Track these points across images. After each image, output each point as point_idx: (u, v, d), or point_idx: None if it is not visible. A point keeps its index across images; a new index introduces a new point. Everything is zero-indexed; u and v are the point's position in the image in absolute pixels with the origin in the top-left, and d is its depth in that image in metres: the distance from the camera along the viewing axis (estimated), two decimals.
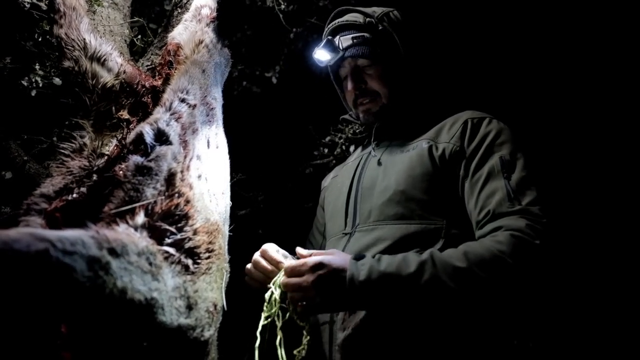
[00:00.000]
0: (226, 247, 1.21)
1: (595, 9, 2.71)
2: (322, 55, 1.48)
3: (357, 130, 2.74)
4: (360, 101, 1.47)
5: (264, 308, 1.05)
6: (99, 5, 1.80)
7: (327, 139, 2.92)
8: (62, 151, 1.23)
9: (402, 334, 1.12)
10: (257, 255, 1.20)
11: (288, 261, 1.13)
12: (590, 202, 2.81)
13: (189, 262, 0.97)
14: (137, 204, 0.94)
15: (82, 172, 1.15)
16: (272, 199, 2.90)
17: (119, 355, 0.79)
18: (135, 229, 0.91)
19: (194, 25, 1.56)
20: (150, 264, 0.84)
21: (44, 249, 0.67)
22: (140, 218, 0.93)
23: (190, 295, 0.93)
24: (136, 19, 2.05)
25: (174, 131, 1.11)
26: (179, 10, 1.75)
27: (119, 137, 1.27)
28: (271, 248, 1.19)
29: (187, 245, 0.98)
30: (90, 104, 1.33)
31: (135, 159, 1.01)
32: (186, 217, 1.01)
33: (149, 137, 1.06)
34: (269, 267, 1.15)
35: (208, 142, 1.25)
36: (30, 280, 0.65)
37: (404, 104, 1.44)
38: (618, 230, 2.74)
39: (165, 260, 0.90)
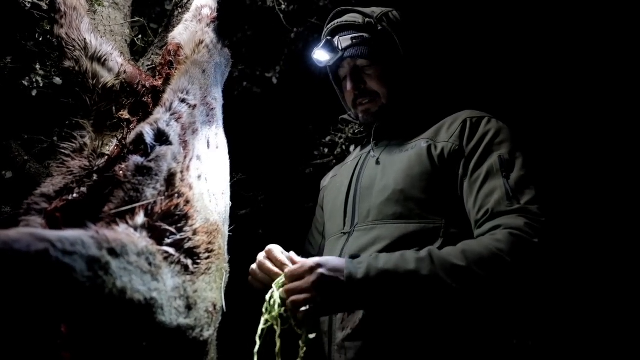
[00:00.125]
0: (226, 247, 1.21)
1: (594, 9, 2.71)
2: (321, 55, 1.48)
3: (357, 130, 2.75)
4: (359, 101, 1.47)
5: (264, 311, 1.04)
6: (99, 5, 1.81)
7: (327, 139, 2.92)
8: (63, 151, 1.23)
9: (401, 333, 1.12)
10: (261, 257, 1.18)
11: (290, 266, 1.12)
12: (590, 201, 2.81)
13: (189, 262, 0.97)
14: (137, 204, 0.94)
15: (82, 172, 1.15)
16: (272, 199, 2.90)
17: (119, 355, 0.79)
18: (135, 229, 0.91)
19: (194, 26, 1.57)
20: (150, 264, 0.84)
21: (44, 249, 0.67)
22: (140, 218, 0.93)
23: (190, 295, 0.93)
24: (137, 18, 2.05)
25: (174, 131, 1.11)
26: (180, 10, 1.75)
27: (119, 137, 1.27)
28: (276, 249, 1.17)
29: (186, 246, 0.99)
30: (90, 104, 1.34)
31: (136, 159, 1.01)
32: (186, 217, 1.01)
33: (149, 138, 1.06)
34: (273, 268, 1.14)
35: (208, 143, 1.26)
36: (30, 280, 0.66)
37: (403, 103, 1.44)
38: (617, 229, 2.74)
39: (164, 261, 0.90)
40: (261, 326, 1.02)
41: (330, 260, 1.07)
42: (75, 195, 1.06)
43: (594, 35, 2.78)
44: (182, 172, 1.08)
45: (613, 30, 2.75)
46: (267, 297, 1.06)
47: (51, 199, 1.06)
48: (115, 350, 0.79)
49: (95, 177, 1.11)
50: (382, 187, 1.30)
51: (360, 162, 1.46)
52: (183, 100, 1.23)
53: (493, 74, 2.84)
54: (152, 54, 1.73)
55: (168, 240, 0.96)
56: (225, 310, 1.10)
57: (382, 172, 1.34)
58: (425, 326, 1.12)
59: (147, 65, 1.68)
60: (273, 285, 1.09)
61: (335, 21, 1.49)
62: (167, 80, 1.43)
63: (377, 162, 1.38)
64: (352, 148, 2.67)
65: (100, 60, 1.38)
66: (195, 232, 1.02)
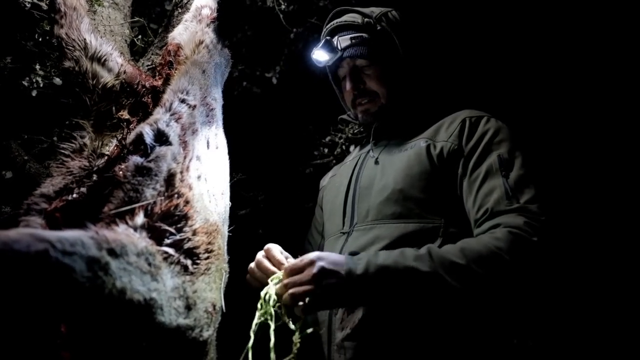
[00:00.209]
0: (225, 247, 1.21)
1: (592, 8, 2.71)
2: (320, 55, 1.48)
3: (356, 131, 2.75)
4: (358, 101, 1.47)
5: (258, 307, 1.04)
6: (99, 5, 1.81)
7: (327, 139, 2.93)
8: (62, 151, 1.23)
9: (401, 333, 1.12)
10: (260, 255, 1.19)
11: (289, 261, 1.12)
12: (589, 200, 2.81)
13: (188, 262, 0.97)
14: (137, 205, 0.94)
15: (82, 172, 1.15)
16: (272, 199, 2.90)
17: (118, 355, 0.80)
18: (135, 229, 0.91)
19: (194, 26, 1.57)
20: (150, 264, 0.84)
21: (44, 249, 0.67)
22: (140, 219, 0.93)
23: (189, 295, 0.93)
24: (137, 19, 2.05)
25: (173, 132, 1.11)
26: (180, 11, 1.75)
27: (119, 138, 1.27)
28: (275, 248, 1.18)
29: (186, 246, 0.99)
30: (90, 104, 1.34)
31: (135, 159, 1.01)
32: (185, 217, 1.01)
33: (148, 138, 1.06)
34: (271, 267, 1.15)
35: (208, 143, 1.26)
36: (30, 280, 0.66)
37: (402, 103, 1.44)
38: (617, 228, 2.74)
39: (164, 261, 0.90)
40: (255, 321, 1.02)
41: (331, 255, 1.07)
42: (75, 195, 1.06)
43: (593, 34, 2.78)
44: (181, 172, 1.08)
45: (612, 30, 2.75)
46: (262, 293, 1.06)
47: (51, 199, 1.06)
48: (114, 350, 0.79)
49: (95, 177, 1.11)
50: (381, 187, 1.30)
51: (359, 162, 1.46)
52: (183, 101, 1.23)
53: (492, 73, 2.84)
54: (152, 54, 1.73)
55: (168, 241, 0.96)
56: (224, 310, 1.10)
57: (381, 171, 1.34)
58: (425, 326, 1.12)
59: (147, 66, 1.68)
60: (269, 280, 1.09)
61: (335, 21, 1.50)
62: (167, 81, 1.43)
63: (376, 162, 1.38)
64: (352, 148, 2.67)
65: (100, 61, 1.38)
66: (194, 233, 1.02)
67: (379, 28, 1.42)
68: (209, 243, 1.05)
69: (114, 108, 1.35)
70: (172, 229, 0.97)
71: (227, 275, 1.17)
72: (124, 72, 1.40)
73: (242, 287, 1.22)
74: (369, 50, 1.42)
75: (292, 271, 1.06)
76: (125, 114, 1.36)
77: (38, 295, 0.67)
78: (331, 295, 1.02)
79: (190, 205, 1.04)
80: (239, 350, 0.98)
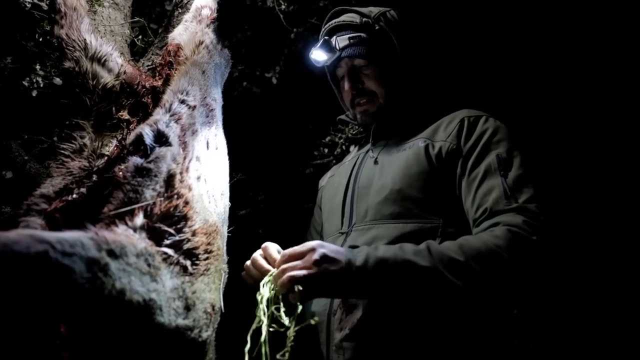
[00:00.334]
0: (225, 248, 1.21)
1: (591, 7, 2.71)
2: (318, 55, 1.48)
3: (355, 131, 2.75)
4: (357, 101, 1.47)
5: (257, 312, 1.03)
6: (99, 6, 1.81)
7: (327, 139, 2.93)
8: (62, 152, 1.23)
9: (400, 333, 1.12)
10: (256, 253, 1.20)
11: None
12: (589, 199, 2.81)
13: (188, 263, 0.97)
14: (136, 206, 0.95)
15: (82, 173, 1.15)
16: (272, 199, 2.91)
17: (118, 356, 0.80)
18: (134, 230, 0.91)
19: (194, 26, 1.57)
20: (149, 265, 0.85)
21: (44, 250, 0.67)
22: (139, 219, 0.93)
23: (189, 296, 0.93)
24: (137, 19, 2.05)
25: (173, 132, 1.12)
26: (180, 11, 1.75)
27: (119, 138, 1.27)
28: (271, 247, 1.18)
29: (185, 247, 0.99)
30: (90, 105, 1.34)
31: (135, 160, 1.02)
32: (185, 218, 1.02)
33: (148, 139, 1.06)
34: (265, 265, 1.15)
35: (207, 144, 1.26)
36: (30, 281, 0.66)
37: (401, 103, 1.44)
38: (617, 228, 2.74)
39: (163, 262, 0.91)
40: (253, 326, 1.01)
41: (332, 245, 1.07)
42: (74, 196, 1.06)
43: (591, 34, 2.78)
44: (181, 173, 1.08)
45: (611, 29, 2.75)
46: (258, 297, 1.05)
47: (51, 200, 1.06)
48: (114, 350, 0.79)
49: (94, 177, 1.11)
50: (380, 187, 1.30)
51: (358, 162, 1.46)
52: (183, 102, 1.23)
53: (490, 73, 2.85)
54: (152, 54, 1.73)
55: (167, 242, 0.96)
56: (223, 310, 1.11)
57: (380, 171, 1.34)
58: (425, 326, 1.12)
59: (147, 66, 1.69)
60: (261, 284, 1.08)
61: (333, 21, 1.50)
62: (166, 81, 1.43)
63: (375, 162, 1.38)
64: (352, 148, 2.67)
65: (100, 61, 1.38)
66: (194, 233, 1.02)
67: (377, 28, 1.43)
68: (209, 244, 1.05)
69: (114, 108, 1.35)
70: (171, 230, 0.98)
71: (226, 276, 1.18)
72: (124, 72, 1.40)
73: (242, 288, 1.22)
74: (367, 50, 1.42)
75: (292, 257, 1.05)
76: (125, 115, 1.36)
77: (38, 296, 0.67)
78: (330, 283, 1.02)
79: (190, 206, 1.04)
80: (238, 350, 0.98)
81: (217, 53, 1.55)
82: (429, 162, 1.27)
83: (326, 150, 2.94)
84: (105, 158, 1.20)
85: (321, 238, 1.51)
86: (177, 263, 0.95)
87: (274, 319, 1.01)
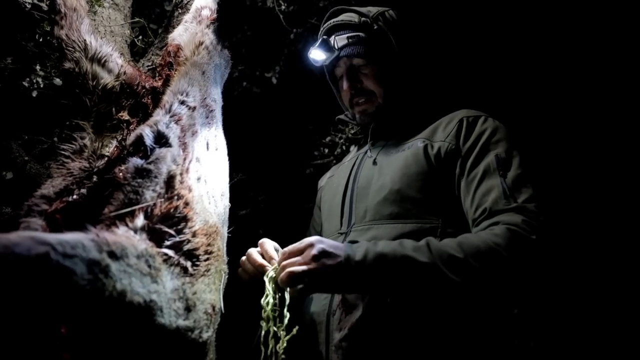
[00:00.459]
0: (225, 248, 1.21)
1: (590, 7, 2.71)
2: (317, 55, 1.48)
3: (355, 131, 2.75)
4: (356, 100, 1.48)
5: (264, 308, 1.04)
6: (99, 6, 1.81)
7: (327, 139, 2.93)
8: (63, 152, 1.23)
9: (400, 333, 1.13)
10: (252, 249, 1.21)
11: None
12: (588, 199, 2.81)
13: (188, 264, 0.97)
14: (137, 207, 0.95)
15: (82, 174, 1.15)
16: (272, 199, 2.91)
17: (118, 357, 0.80)
18: (135, 231, 0.91)
19: (194, 27, 1.57)
20: (150, 266, 0.85)
21: (45, 252, 0.67)
22: (140, 220, 0.93)
23: (189, 297, 0.93)
24: (137, 19, 2.05)
25: (173, 133, 1.12)
26: (180, 11, 1.75)
27: (119, 139, 1.27)
28: (268, 243, 1.19)
29: (186, 248, 0.99)
30: (90, 105, 1.34)
31: (135, 161, 1.02)
32: (185, 219, 1.02)
33: (148, 140, 1.06)
34: (260, 260, 1.15)
35: (207, 144, 1.26)
36: (31, 283, 0.66)
37: (400, 103, 1.44)
38: (618, 227, 2.74)
39: (164, 263, 0.91)
40: (263, 329, 1.02)
41: (330, 240, 1.08)
42: (75, 196, 1.06)
43: (591, 33, 2.78)
44: (181, 174, 1.08)
45: (610, 28, 2.75)
46: (263, 301, 1.06)
47: (51, 201, 1.06)
48: (114, 351, 0.79)
49: (95, 178, 1.11)
50: (379, 187, 1.30)
51: (357, 162, 1.46)
52: (182, 102, 1.23)
53: (489, 73, 2.85)
54: (152, 55, 1.73)
55: (167, 243, 0.96)
56: (223, 311, 1.11)
57: (379, 172, 1.35)
58: (424, 326, 1.12)
59: (147, 66, 1.69)
60: (270, 270, 1.09)
61: (331, 20, 1.50)
62: (166, 82, 1.43)
63: (374, 162, 1.39)
64: (352, 148, 2.68)
65: (100, 62, 1.38)
66: (194, 234, 1.02)
67: (375, 27, 1.43)
68: (209, 244, 1.05)
69: (114, 109, 1.35)
70: (171, 231, 0.98)
71: (227, 277, 1.18)
72: (124, 73, 1.40)
73: (242, 288, 1.23)
74: (366, 50, 1.43)
75: (291, 254, 1.06)
76: (125, 115, 1.36)
77: (39, 298, 0.67)
78: (329, 277, 1.02)
79: (190, 207, 1.04)
80: (238, 351, 0.99)
81: (217, 54, 1.55)
82: (428, 162, 1.27)
83: (326, 150, 2.94)
84: (106, 159, 1.20)
85: None
86: (178, 264, 0.95)
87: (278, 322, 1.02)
